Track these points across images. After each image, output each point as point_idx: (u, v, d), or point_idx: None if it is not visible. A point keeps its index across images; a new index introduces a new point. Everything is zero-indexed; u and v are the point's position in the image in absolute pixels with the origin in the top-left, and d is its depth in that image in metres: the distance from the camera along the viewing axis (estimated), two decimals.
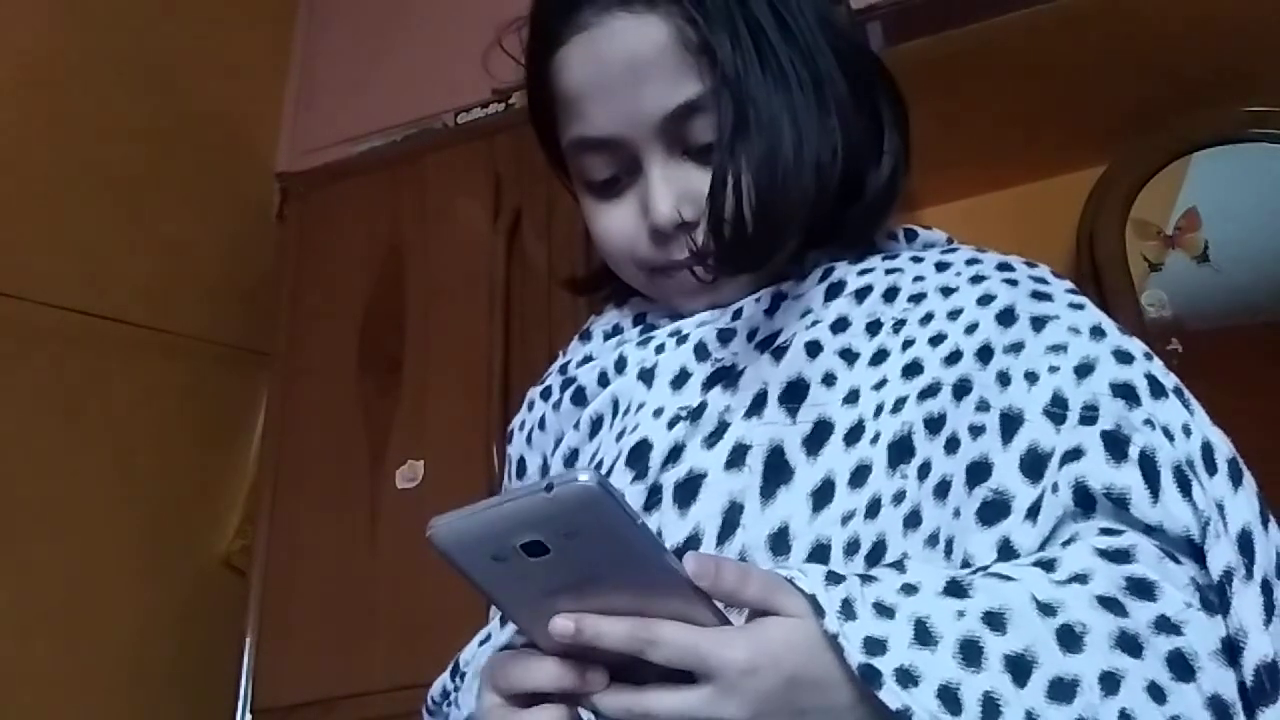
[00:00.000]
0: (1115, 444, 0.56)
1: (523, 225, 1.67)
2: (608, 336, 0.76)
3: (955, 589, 0.50)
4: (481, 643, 0.66)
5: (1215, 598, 0.53)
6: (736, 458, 0.60)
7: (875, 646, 0.47)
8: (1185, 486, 0.54)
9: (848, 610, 0.48)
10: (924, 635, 0.48)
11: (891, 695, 0.46)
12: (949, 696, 0.46)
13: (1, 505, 1.46)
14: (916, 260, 0.71)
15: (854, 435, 0.60)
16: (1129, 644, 0.49)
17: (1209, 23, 1.56)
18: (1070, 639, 0.49)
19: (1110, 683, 0.48)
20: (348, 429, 1.62)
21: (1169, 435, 0.57)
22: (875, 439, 0.60)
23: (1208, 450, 0.58)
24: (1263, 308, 1.60)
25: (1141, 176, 1.69)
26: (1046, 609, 0.49)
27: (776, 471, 0.59)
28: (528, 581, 0.47)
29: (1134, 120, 1.70)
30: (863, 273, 0.69)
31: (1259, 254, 1.62)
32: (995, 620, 0.49)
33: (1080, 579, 0.51)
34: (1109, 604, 0.50)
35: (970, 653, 0.47)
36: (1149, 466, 0.55)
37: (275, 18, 2.22)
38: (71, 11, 1.71)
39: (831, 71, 0.68)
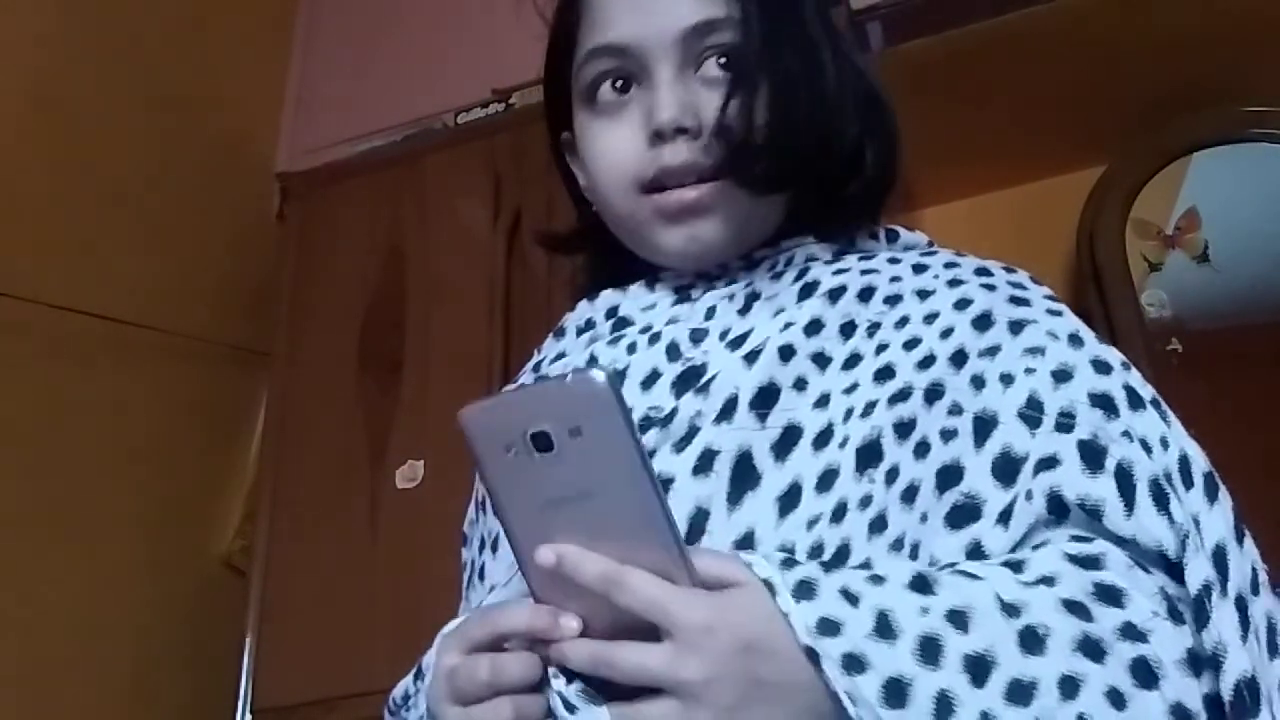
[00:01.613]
0: (1092, 454, 0.55)
1: (523, 225, 1.67)
2: (580, 332, 0.76)
3: (921, 584, 0.50)
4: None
5: (1186, 610, 0.52)
6: (704, 463, 0.59)
7: (829, 628, 0.48)
8: (1162, 501, 0.54)
9: (805, 591, 0.49)
10: (885, 628, 0.48)
11: (829, 679, 0.47)
12: (896, 690, 0.46)
13: (1, 505, 1.46)
14: (893, 261, 0.71)
15: (822, 439, 0.60)
16: (1092, 649, 0.49)
17: (1209, 23, 1.56)
18: (1032, 641, 0.49)
19: (1070, 686, 0.48)
20: (348, 429, 1.62)
21: (1147, 448, 0.57)
22: (844, 443, 0.60)
23: (1185, 464, 0.57)
24: (1263, 308, 1.60)
25: (1141, 176, 1.69)
26: (1010, 610, 0.50)
27: (744, 477, 0.59)
28: (529, 484, 0.49)
29: (1134, 120, 1.69)
30: (838, 273, 0.69)
31: (1259, 254, 1.62)
32: (958, 618, 0.49)
33: (1047, 581, 0.51)
34: (1074, 608, 0.50)
35: (929, 650, 0.48)
36: (1125, 479, 0.54)
37: (275, 18, 2.22)
38: (72, 15, 1.71)
39: (833, 54, 0.71)
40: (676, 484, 0.59)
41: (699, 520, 0.58)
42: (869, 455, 0.59)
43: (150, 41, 1.85)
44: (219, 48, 2.02)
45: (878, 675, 0.47)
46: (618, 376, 0.48)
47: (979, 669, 0.47)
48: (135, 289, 1.72)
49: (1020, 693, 0.47)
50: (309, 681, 1.49)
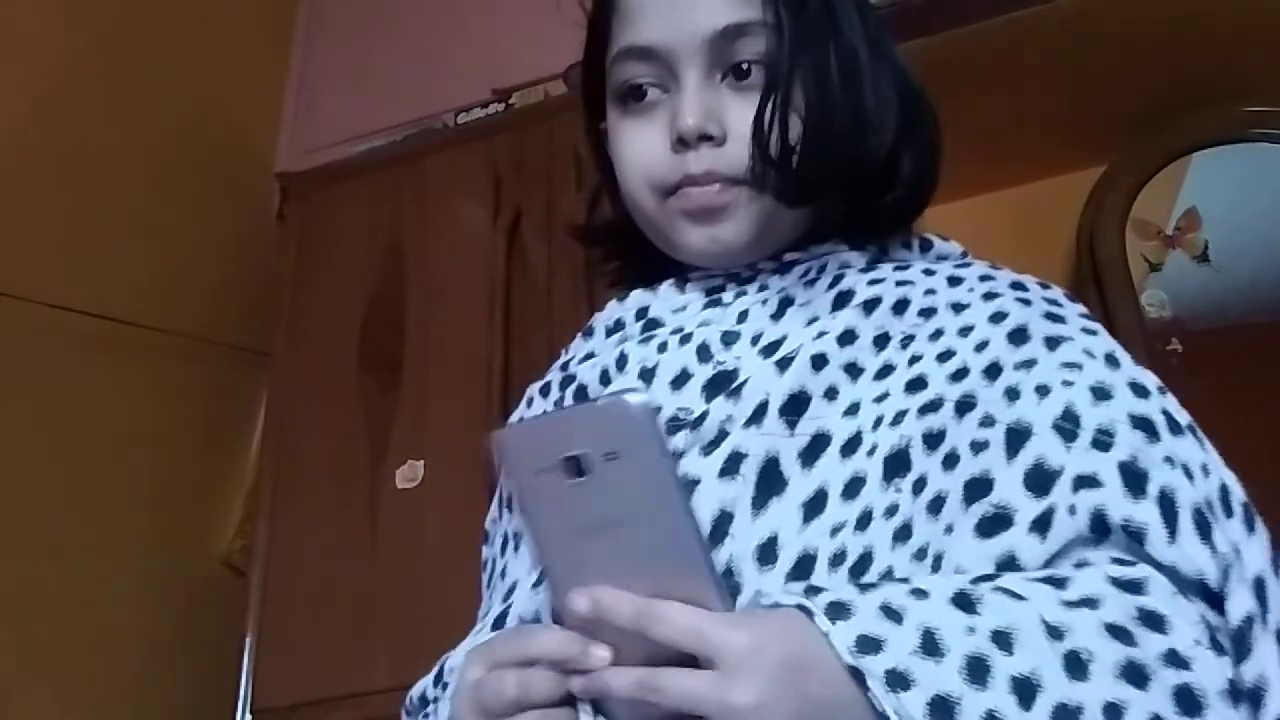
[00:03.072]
0: (1134, 477, 0.54)
1: (523, 225, 1.67)
2: (610, 332, 0.75)
3: (964, 602, 0.50)
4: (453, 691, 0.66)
5: (1225, 640, 0.52)
6: (731, 466, 0.59)
7: (869, 645, 0.47)
8: (1204, 530, 0.53)
9: (839, 611, 0.48)
10: (931, 646, 0.47)
11: (875, 697, 0.46)
12: (943, 708, 0.46)
13: (1, 505, 1.46)
14: (928, 273, 0.70)
15: (850, 447, 0.60)
16: (1135, 675, 0.48)
17: (1209, 23, 1.56)
18: (1076, 666, 0.48)
19: (1113, 713, 0.47)
20: (348, 429, 1.62)
21: (1188, 474, 0.56)
22: (872, 451, 0.59)
23: (1224, 493, 0.57)
24: (1263, 308, 1.60)
25: (1141, 176, 1.69)
26: (1054, 632, 0.49)
27: (769, 482, 0.59)
28: (562, 508, 0.49)
29: (1134, 120, 1.70)
30: (872, 283, 0.68)
31: (1259, 254, 1.62)
32: (1003, 639, 0.48)
33: (1090, 603, 0.51)
34: (1118, 632, 0.50)
35: (977, 670, 0.47)
36: (1168, 506, 0.54)
37: (275, 19, 2.22)
38: (74, 15, 1.71)
39: (873, 56, 0.70)
40: (702, 485, 0.59)
41: (722, 523, 0.58)
42: (897, 464, 0.59)
43: (150, 42, 1.85)
44: (219, 48, 2.02)
45: (924, 692, 0.46)
46: (654, 406, 0.48)
47: (1026, 691, 0.47)
48: (135, 289, 1.72)
49: (1066, 717, 0.47)
50: (309, 681, 1.49)
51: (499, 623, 0.62)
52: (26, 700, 1.42)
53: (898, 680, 0.46)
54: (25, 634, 1.44)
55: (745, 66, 0.68)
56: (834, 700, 0.47)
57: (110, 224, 1.71)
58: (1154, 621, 0.50)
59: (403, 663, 1.40)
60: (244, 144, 2.06)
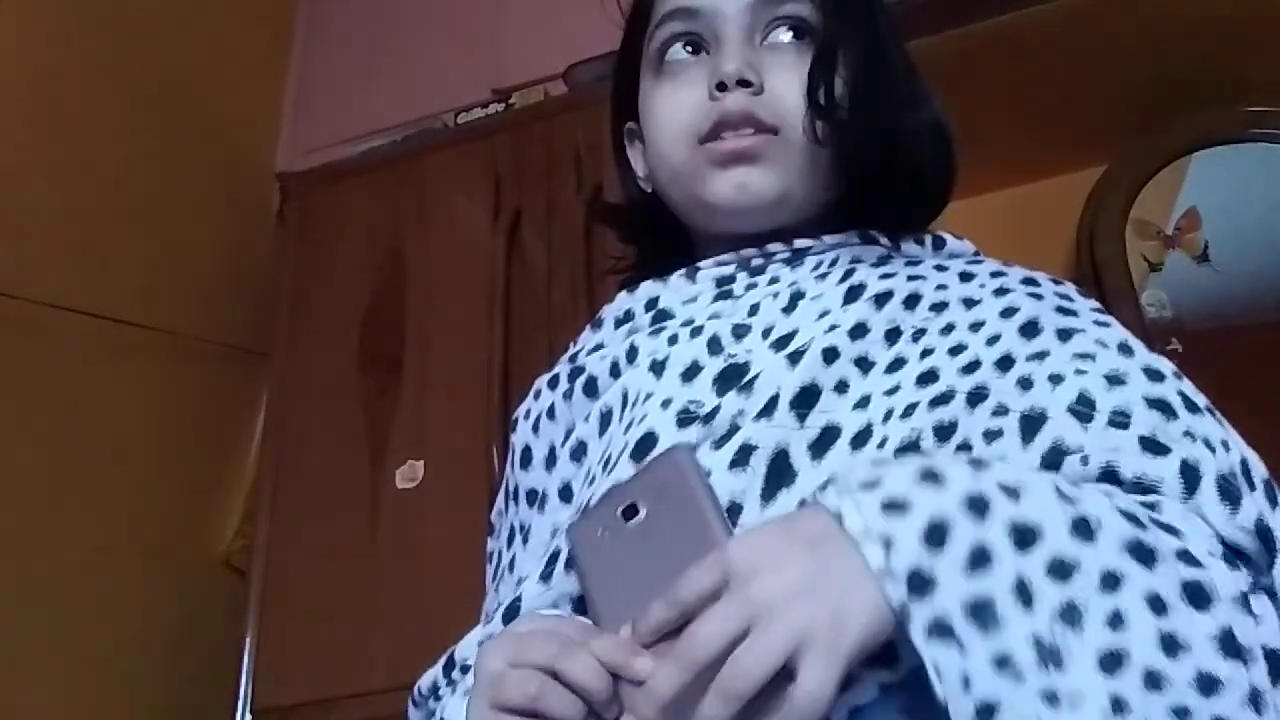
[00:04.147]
0: (1154, 446, 0.55)
1: (523, 225, 1.67)
2: (619, 323, 0.75)
3: (976, 463, 0.51)
4: (480, 644, 0.65)
5: (1243, 566, 0.52)
6: (741, 458, 0.59)
7: (869, 486, 0.49)
8: (1229, 494, 0.53)
9: (830, 481, 0.51)
10: (931, 476, 0.49)
11: (870, 525, 0.47)
12: (937, 535, 0.47)
13: (1, 505, 1.46)
14: (940, 269, 0.71)
15: (860, 439, 0.60)
16: (1142, 553, 0.48)
17: (1209, 23, 1.57)
18: (1083, 528, 0.48)
19: (1110, 581, 0.47)
20: (348, 429, 1.62)
21: (1210, 448, 0.56)
22: (882, 444, 0.59)
23: (1245, 467, 0.57)
24: (1263, 308, 1.60)
25: (1141, 176, 1.69)
26: (1066, 498, 0.49)
27: (779, 474, 0.59)
28: (615, 550, 0.54)
29: (1134, 120, 1.70)
30: (884, 277, 0.69)
31: (1259, 254, 1.62)
32: (1010, 491, 0.49)
33: (1105, 494, 0.52)
34: (1130, 518, 0.50)
35: (977, 505, 0.48)
36: (1190, 473, 0.54)
37: (275, 19, 2.22)
38: (74, 15, 1.71)
39: (899, 51, 0.75)
40: (712, 477, 0.59)
41: (731, 514, 0.57)
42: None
43: (150, 42, 1.85)
44: (219, 48, 2.02)
45: (920, 517, 0.47)
46: (691, 445, 0.56)
47: (1024, 537, 0.47)
48: (135, 289, 1.72)
49: (1061, 570, 0.47)
50: (309, 681, 1.49)
51: (510, 614, 0.62)
52: (26, 700, 1.42)
53: (893, 506, 0.47)
54: (25, 634, 1.44)
55: (785, 33, 0.72)
56: (839, 535, 0.48)
57: (110, 224, 1.71)
58: (1168, 529, 0.51)
59: (402, 663, 1.40)
60: (244, 144, 2.06)
